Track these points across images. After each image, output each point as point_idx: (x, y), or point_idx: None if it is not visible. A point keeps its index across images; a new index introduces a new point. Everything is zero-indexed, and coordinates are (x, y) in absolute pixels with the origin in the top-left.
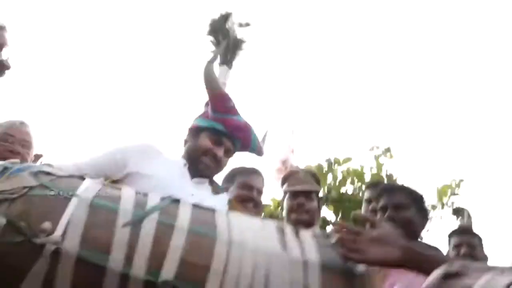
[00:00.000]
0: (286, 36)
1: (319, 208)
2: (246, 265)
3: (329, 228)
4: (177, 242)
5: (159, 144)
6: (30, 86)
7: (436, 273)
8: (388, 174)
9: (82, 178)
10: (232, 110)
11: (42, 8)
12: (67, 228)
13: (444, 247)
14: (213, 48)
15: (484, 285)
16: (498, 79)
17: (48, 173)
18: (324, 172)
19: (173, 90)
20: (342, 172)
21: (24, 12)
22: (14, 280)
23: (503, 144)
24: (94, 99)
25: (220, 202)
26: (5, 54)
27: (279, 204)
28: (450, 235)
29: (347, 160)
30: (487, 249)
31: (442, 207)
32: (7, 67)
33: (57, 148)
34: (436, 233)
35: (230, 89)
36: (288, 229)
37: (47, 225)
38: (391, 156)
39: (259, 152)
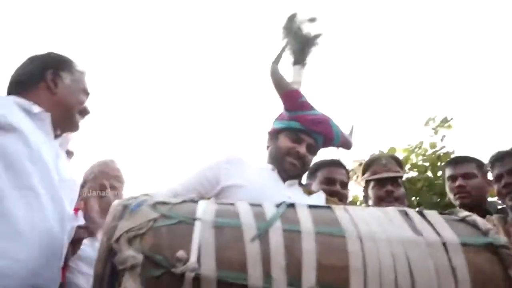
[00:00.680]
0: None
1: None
2: (384, 257)
3: None
4: (309, 247)
5: (243, 153)
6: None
7: None
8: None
9: (193, 201)
10: (305, 106)
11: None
12: (200, 253)
13: None
14: (288, 52)
15: None
16: None
17: (164, 203)
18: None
19: (250, 99)
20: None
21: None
22: None
23: None
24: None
25: (317, 201)
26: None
27: None
28: None
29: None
30: None
31: None
32: (87, 112)
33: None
34: None
35: (306, 87)
36: (412, 212)
37: (181, 253)
38: (450, 127)
39: (346, 144)
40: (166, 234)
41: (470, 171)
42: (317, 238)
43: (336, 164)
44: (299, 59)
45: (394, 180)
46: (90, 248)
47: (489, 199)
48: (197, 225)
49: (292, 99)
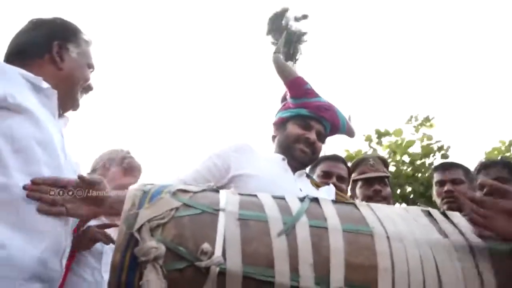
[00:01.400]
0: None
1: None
2: (412, 258)
3: None
4: (337, 245)
5: (252, 142)
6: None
7: None
8: (439, 145)
9: (214, 190)
10: (311, 93)
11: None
12: (225, 246)
13: None
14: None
15: None
16: None
17: (184, 191)
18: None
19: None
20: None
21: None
22: None
23: None
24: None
25: (327, 194)
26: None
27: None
28: None
29: (399, 132)
30: None
31: None
32: (91, 89)
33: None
34: None
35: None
36: (436, 212)
37: (206, 246)
38: (431, 126)
39: (349, 132)
40: (189, 225)
41: (458, 177)
42: (344, 235)
43: (335, 158)
44: (290, 55)
45: (382, 180)
46: None
47: None
48: (221, 216)
49: (298, 86)
